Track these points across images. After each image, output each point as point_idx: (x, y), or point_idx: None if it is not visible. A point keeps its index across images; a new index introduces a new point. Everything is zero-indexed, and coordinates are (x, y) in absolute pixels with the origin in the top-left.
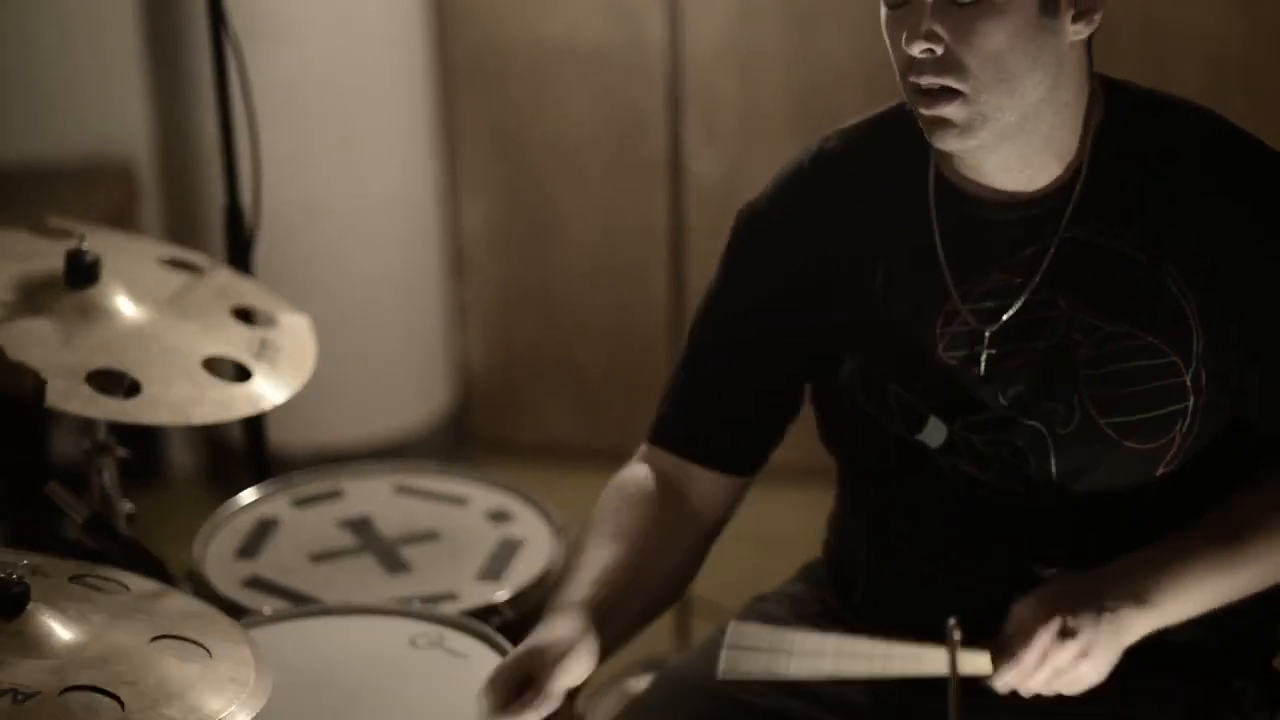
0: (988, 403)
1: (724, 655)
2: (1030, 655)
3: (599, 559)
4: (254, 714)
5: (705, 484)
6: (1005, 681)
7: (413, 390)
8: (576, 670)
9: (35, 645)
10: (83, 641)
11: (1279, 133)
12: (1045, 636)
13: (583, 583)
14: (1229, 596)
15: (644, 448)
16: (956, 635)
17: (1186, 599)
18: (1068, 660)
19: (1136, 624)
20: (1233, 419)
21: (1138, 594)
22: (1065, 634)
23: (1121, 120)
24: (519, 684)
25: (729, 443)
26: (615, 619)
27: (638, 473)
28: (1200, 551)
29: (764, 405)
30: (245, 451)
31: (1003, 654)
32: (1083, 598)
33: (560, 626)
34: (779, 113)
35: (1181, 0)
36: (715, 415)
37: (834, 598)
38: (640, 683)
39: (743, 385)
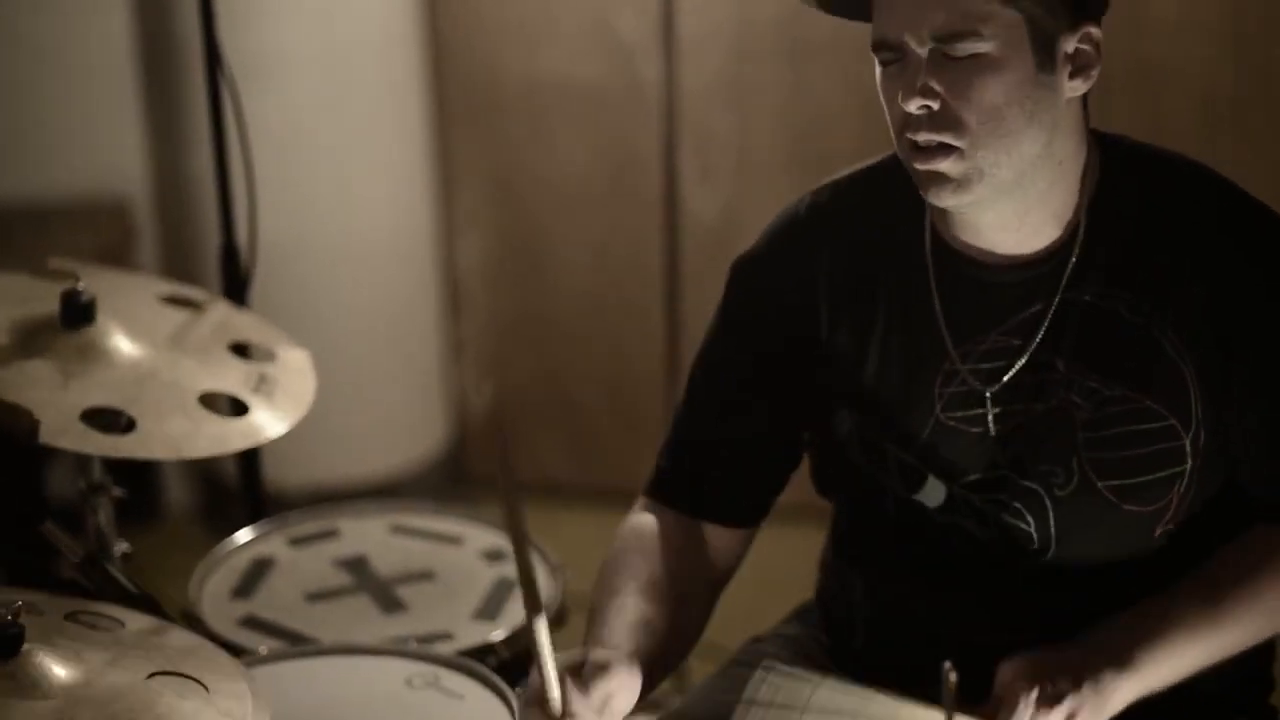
0: (986, 464)
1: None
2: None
3: (634, 611)
4: None
5: (711, 537)
6: None
7: (409, 428)
8: (624, 690)
9: (32, 687)
10: (80, 681)
11: (1272, 171)
12: (1029, 703)
13: (619, 628)
14: (1212, 658)
15: (645, 500)
16: (952, 678)
17: (1168, 663)
18: None
19: (1120, 689)
20: (1227, 481)
21: (1119, 660)
22: (1050, 700)
23: (1118, 180)
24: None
25: (731, 497)
26: (652, 676)
27: (649, 521)
28: (1181, 615)
29: (764, 458)
30: (241, 490)
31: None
32: (1066, 663)
33: (610, 651)
34: (774, 151)
35: (1173, 40)
36: (716, 470)
37: (830, 640)
38: None
39: (742, 439)
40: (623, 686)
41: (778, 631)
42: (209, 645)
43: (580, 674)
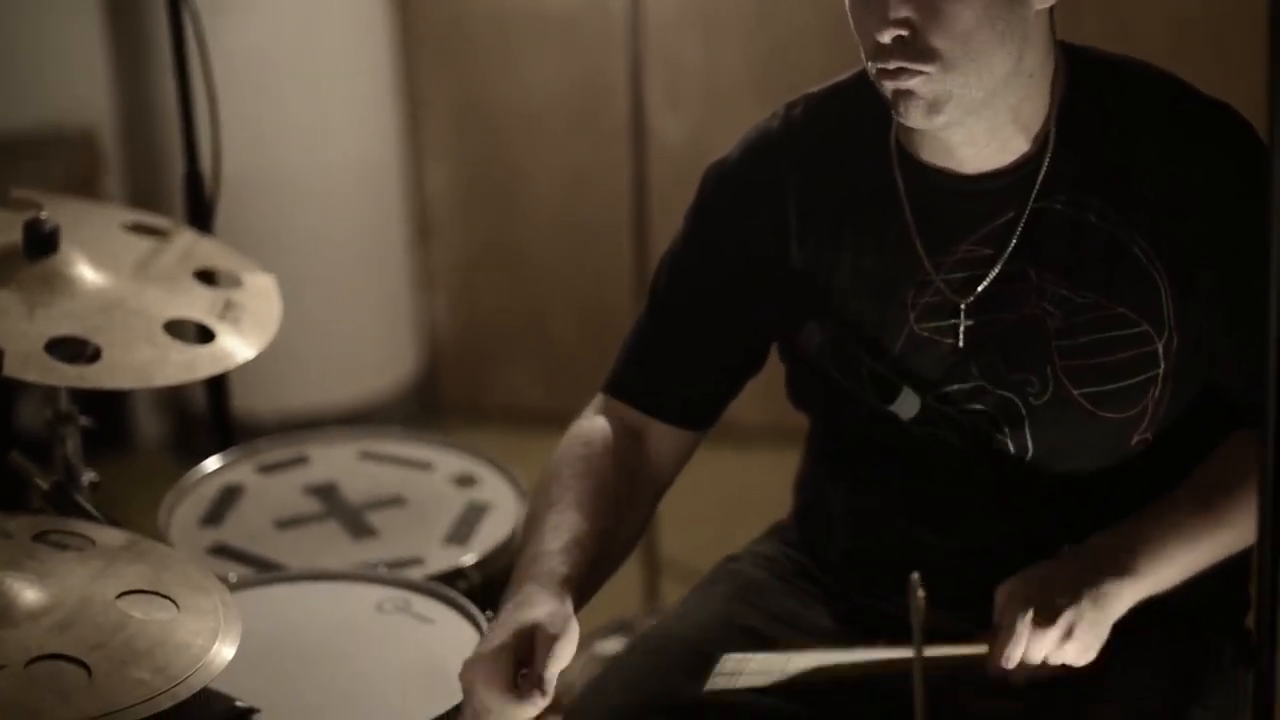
0: (961, 374)
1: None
2: (1014, 645)
3: (570, 528)
4: (223, 667)
5: (660, 438)
6: (997, 666)
7: (379, 356)
8: (568, 653)
9: (1, 615)
10: (48, 605)
11: (1246, 92)
12: (1024, 625)
13: (554, 552)
14: (1209, 560)
15: (600, 398)
16: (920, 592)
17: (1167, 566)
18: (1052, 644)
19: (1123, 595)
20: (1204, 386)
21: (1119, 566)
22: (1045, 620)
23: (1086, 90)
24: (514, 667)
25: (686, 398)
26: (586, 590)
27: (596, 426)
28: (1177, 519)
29: (722, 362)
30: (210, 420)
31: (989, 643)
32: (1062, 579)
33: (545, 604)
34: (742, 76)
35: None
36: (673, 370)
37: (807, 558)
38: (610, 644)
39: (701, 341)
40: (569, 648)
41: (752, 549)
42: (178, 554)
43: (534, 650)
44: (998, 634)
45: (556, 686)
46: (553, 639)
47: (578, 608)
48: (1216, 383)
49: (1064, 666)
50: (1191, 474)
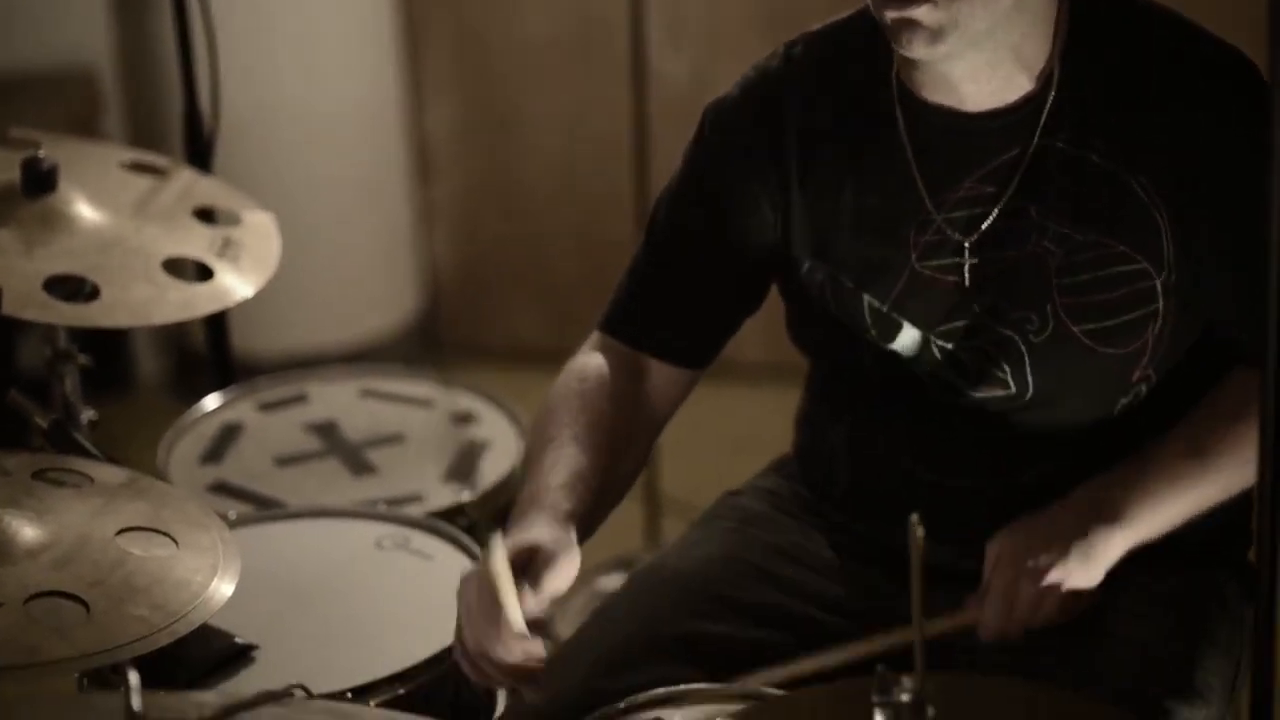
0: (962, 312)
1: None
2: (1003, 609)
3: (569, 464)
4: (222, 604)
5: (657, 376)
6: (989, 631)
7: (379, 295)
8: (565, 577)
9: (1, 553)
10: (46, 542)
11: (1250, 23)
12: (1013, 587)
13: (555, 487)
14: (1198, 507)
15: (597, 335)
16: (919, 532)
17: (1156, 513)
18: (1039, 603)
19: (1112, 544)
20: (1204, 325)
21: (1108, 515)
22: (1036, 575)
23: (1090, 28)
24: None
25: (682, 337)
26: (587, 526)
27: (593, 362)
28: (1166, 465)
29: (719, 301)
30: (211, 359)
31: (980, 605)
32: (1049, 533)
33: (547, 529)
34: (744, 14)
35: None
36: (669, 309)
37: (809, 492)
38: (611, 581)
39: (698, 280)
40: (568, 571)
41: (754, 484)
42: (177, 491)
43: (529, 567)
44: (985, 598)
45: (551, 612)
46: (551, 559)
47: (580, 543)
48: (1215, 321)
49: (1058, 621)
50: (1185, 417)
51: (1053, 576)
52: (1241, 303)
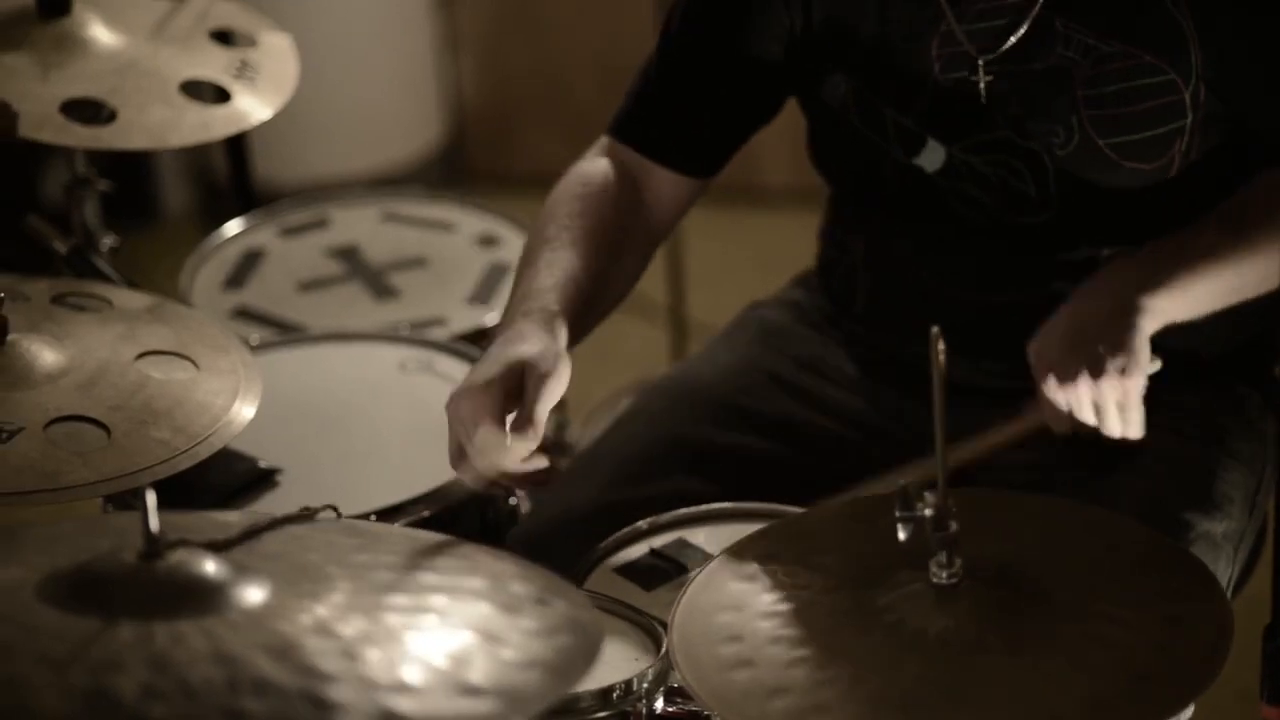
0: (986, 125)
1: None
2: (1061, 408)
3: (563, 265)
4: (243, 427)
5: (662, 183)
6: (1059, 424)
7: (404, 122)
8: (557, 392)
9: (18, 378)
10: (66, 367)
11: None
12: (1069, 386)
13: (547, 289)
14: (1235, 293)
15: (605, 139)
16: (940, 345)
17: (1193, 287)
18: (1098, 394)
19: (1151, 309)
20: (1232, 136)
21: (1147, 280)
22: (1091, 359)
23: None
24: (502, 402)
25: (691, 143)
26: (578, 330)
27: (597, 167)
28: (1204, 242)
29: (730, 109)
30: (233, 187)
31: (1034, 412)
32: (1092, 325)
33: (536, 340)
34: None
35: None
36: (678, 114)
37: (831, 306)
38: None
39: (710, 86)
40: (559, 385)
41: (778, 296)
42: (197, 314)
43: (523, 387)
44: (1041, 401)
45: (546, 427)
46: (544, 377)
47: (569, 348)
48: (1250, 130)
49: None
50: (1222, 204)
51: (1110, 363)
52: (1275, 108)
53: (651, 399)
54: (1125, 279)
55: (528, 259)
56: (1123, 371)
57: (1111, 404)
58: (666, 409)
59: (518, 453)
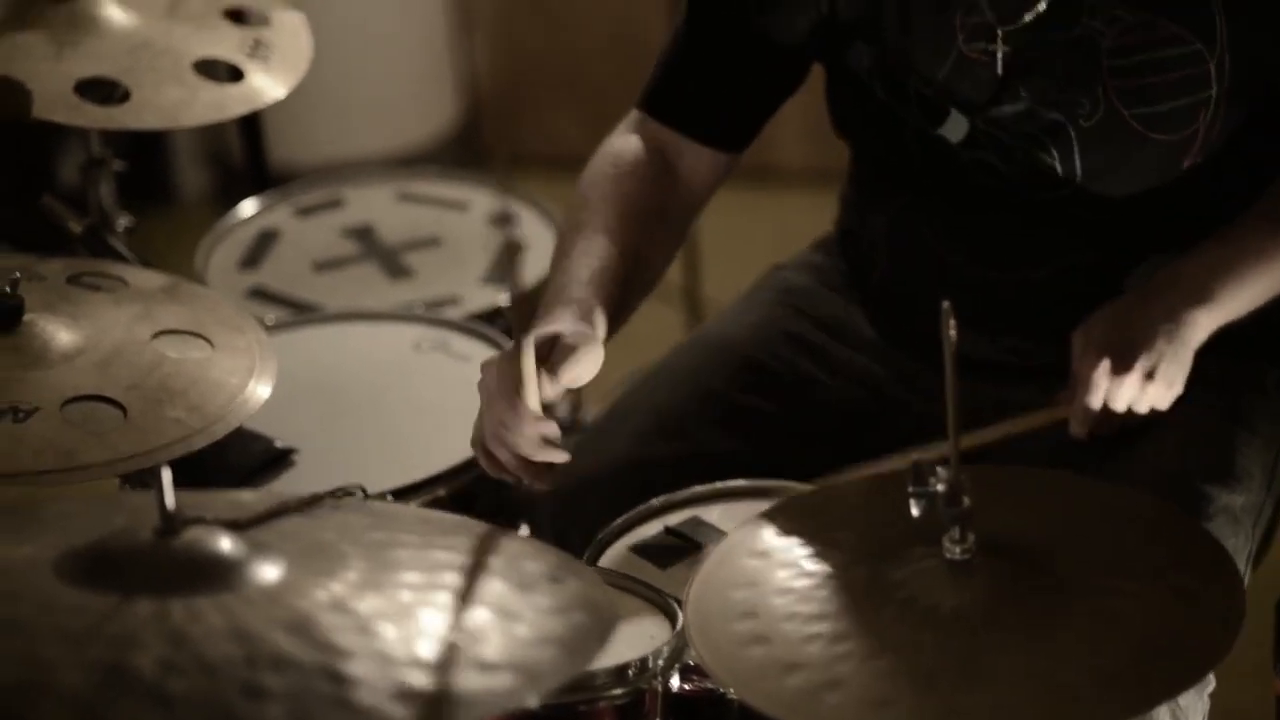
0: (1010, 96)
1: None
2: (1094, 398)
3: (598, 254)
4: (259, 406)
5: (696, 159)
6: (1081, 423)
7: (419, 103)
8: (585, 367)
9: (34, 357)
10: (82, 347)
11: None
12: (1102, 374)
13: (583, 281)
14: None
15: (634, 114)
16: (952, 320)
17: (1242, 291)
18: (1134, 390)
19: (1199, 324)
20: (1256, 113)
21: (1195, 294)
22: (1123, 365)
23: None
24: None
25: (720, 116)
26: (619, 315)
27: (629, 144)
28: (1254, 242)
29: (758, 80)
30: (248, 168)
31: (1069, 400)
32: (1137, 319)
33: (570, 322)
34: None
35: None
36: (708, 87)
37: (851, 272)
38: None
39: (738, 57)
40: (589, 364)
41: (800, 258)
42: (212, 298)
43: (550, 355)
44: (1075, 388)
45: (561, 409)
46: (571, 349)
47: (610, 334)
48: (1277, 101)
49: (1152, 411)
50: (1263, 198)
51: (1145, 361)
52: None
53: (675, 355)
54: (1179, 289)
55: (563, 248)
56: (1170, 384)
57: (1146, 408)
58: (689, 364)
59: (533, 434)
